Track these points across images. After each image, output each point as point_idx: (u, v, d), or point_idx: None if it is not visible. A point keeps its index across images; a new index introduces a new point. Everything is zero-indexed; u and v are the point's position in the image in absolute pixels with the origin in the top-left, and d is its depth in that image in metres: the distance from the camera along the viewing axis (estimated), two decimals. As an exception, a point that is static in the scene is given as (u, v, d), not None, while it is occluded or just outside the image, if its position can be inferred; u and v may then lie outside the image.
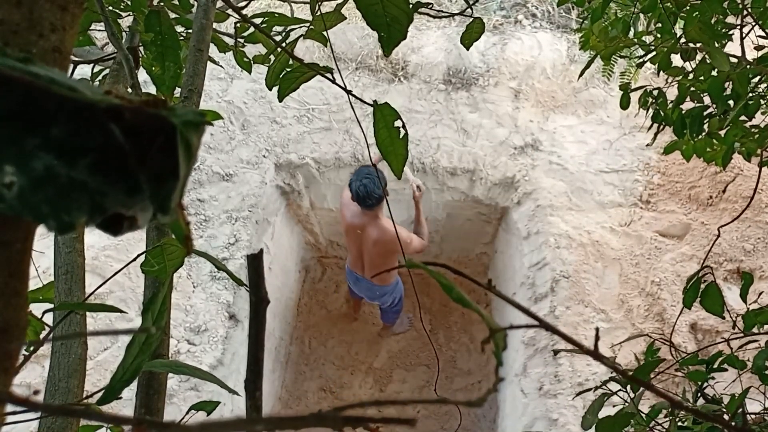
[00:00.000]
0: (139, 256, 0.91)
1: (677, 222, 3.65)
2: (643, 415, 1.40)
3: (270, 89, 1.13)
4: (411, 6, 1.09)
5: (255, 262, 0.62)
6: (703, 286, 1.42)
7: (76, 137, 0.27)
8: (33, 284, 1.23)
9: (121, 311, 0.93)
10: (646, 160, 3.89)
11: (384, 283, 3.82)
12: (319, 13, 1.19)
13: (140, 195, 0.28)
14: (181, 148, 0.27)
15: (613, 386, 1.54)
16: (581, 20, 4.37)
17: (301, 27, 1.28)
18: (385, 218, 3.42)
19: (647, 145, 3.84)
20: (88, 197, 0.28)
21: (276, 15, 1.37)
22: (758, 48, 1.81)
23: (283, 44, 1.12)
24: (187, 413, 0.90)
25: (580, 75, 1.94)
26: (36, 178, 0.27)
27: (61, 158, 0.27)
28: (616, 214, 3.70)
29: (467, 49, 1.19)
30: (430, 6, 1.10)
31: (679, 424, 1.43)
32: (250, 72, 1.63)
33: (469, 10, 1.26)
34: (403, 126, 0.97)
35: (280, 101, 1.17)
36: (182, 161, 0.27)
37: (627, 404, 1.41)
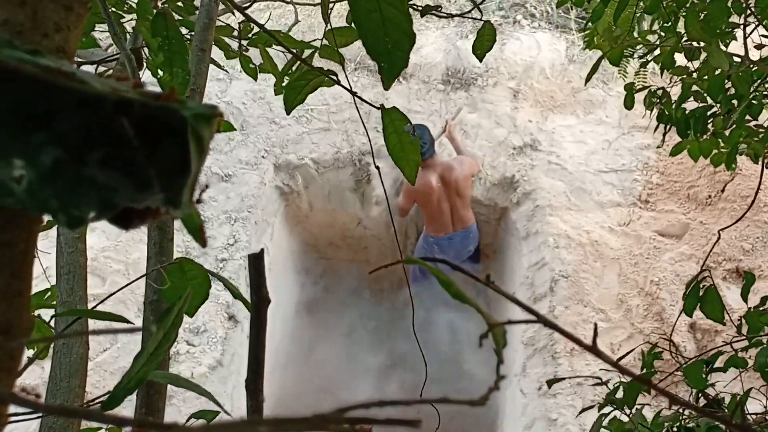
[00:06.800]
0: (151, 272, 0.91)
1: (676, 221, 3.66)
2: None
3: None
4: (421, 9, 1.08)
5: (256, 261, 0.62)
6: (702, 291, 1.42)
7: (86, 131, 0.27)
8: (40, 286, 1.23)
9: (125, 320, 0.91)
10: (645, 160, 3.89)
11: (471, 220, 3.91)
12: (330, 27, 1.18)
13: (151, 190, 0.27)
14: (192, 142, 0.27)
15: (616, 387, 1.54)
16: (581, 20, 4.38)
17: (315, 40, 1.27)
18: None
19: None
20: (98, 192, 0.27)
21: (282, 34, 1.37)
22: (759, 47, 1.80)
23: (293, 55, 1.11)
24: (187, 421, 0.89)
25: (587, 79, 1.92)
26: (45, 173, 0.27)
27: (70, 152, 0.27)
28: (615, 214, 3.70)
29: (480, 60, 1.18)
30: (439, 8, 1.09)
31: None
32: (255, 79, 1.63)
33: (475, 11, 1.25)
34: (413, 131, 0.95)
35: (288, 113, 1.16)
36: (193, 155, 0.27)
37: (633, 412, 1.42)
